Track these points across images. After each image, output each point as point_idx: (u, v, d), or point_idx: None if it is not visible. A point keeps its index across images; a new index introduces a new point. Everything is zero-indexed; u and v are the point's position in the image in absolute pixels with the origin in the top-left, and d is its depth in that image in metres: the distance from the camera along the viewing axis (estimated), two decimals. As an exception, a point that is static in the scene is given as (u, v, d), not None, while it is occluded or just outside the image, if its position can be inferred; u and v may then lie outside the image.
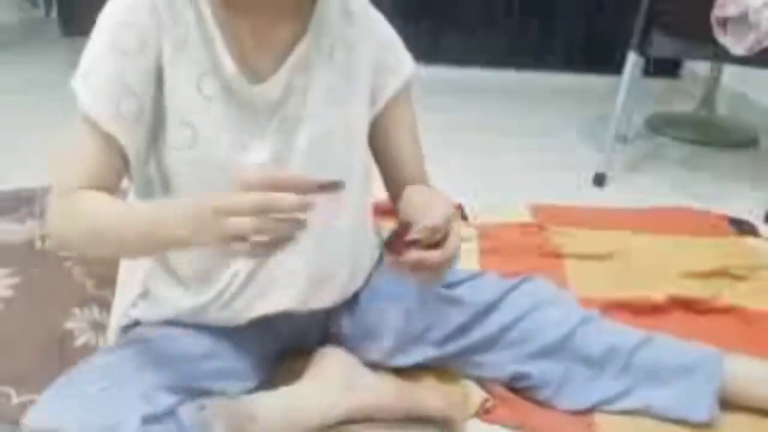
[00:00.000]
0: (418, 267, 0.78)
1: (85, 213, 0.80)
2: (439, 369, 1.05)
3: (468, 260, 1.35)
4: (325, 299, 0.97)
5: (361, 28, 0.93)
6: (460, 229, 0.83)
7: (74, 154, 0.84)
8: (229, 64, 0.83)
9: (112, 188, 0.83)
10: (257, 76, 0.86)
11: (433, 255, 0.78)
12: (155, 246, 0.80)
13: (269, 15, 0.86)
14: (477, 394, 1.00)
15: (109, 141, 0.81)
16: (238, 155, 0.86)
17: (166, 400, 0.81)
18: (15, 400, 0.97)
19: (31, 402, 0.96)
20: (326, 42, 0.90)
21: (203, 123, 0.84)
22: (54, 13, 3.73)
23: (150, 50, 0.81)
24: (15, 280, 1.25)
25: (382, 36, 0.97)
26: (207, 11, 0.83)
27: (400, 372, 1.05)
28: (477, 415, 0.98)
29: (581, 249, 1.45)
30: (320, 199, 0.66)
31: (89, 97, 0.80)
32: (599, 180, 1.96)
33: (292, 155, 0.89)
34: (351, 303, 1.03)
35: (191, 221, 0.70)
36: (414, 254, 0.78)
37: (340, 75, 0.91)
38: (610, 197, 1.86)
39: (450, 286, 1.04)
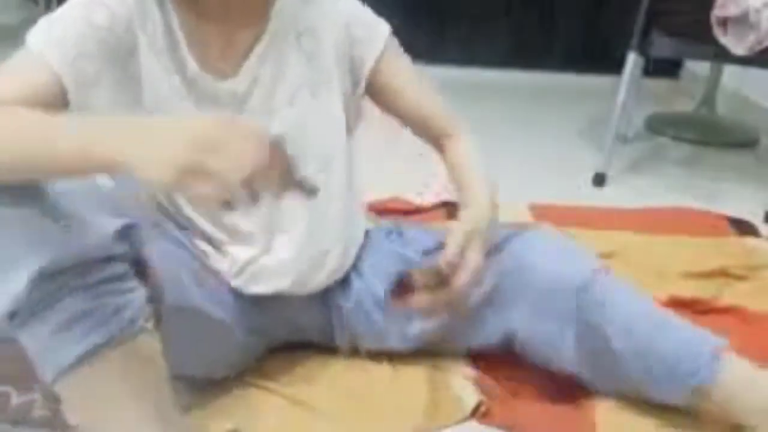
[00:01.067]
0: (431, 312, 0.81)
1: (13, 115, 0.69)
2: (434, 369, 1.06)
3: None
4: (320, 280, 0.98)
5: (322, 11, 0.94)
6: (479, 246, 0.85)
7: (10, 75, 0.79)
8: (192, 66, 0.86)
9: None
10: (222, 74, 0.88)
11: (440, 298, 0.80)
12: (85, 162, 0.65)
13: (235, 20, 0.87)
14: (472, 397, 1.00)
15: (56, 84, 0.77)
16: None
17: None
18: (15, 400, 0.97)
19: (31, 402, 0.96)
20: (291, 32, 0.91)
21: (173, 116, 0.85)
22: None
23: (120, 33, 0.81)
24: (15, 279, 1.25)
25: (345, 10, 0.96)
26: (173, 16, 0.85)
27: (394, 361, 1.05)
28: (473, 417, 0.98)
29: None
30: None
31: (47, 44, 0.78)
32: (599, 180, 1.96)
33: None
34: (343, 283, 1.03)
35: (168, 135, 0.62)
36: (420, 300, 0.79)
37: (308, 63, 0.92)
38: (610, 197, 1.86)
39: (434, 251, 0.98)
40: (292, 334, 1.07)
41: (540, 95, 2.98)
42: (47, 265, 0.66)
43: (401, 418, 0.97)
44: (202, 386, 1.00)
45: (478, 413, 0.98)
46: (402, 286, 0.82)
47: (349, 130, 1.00)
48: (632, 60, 1.94)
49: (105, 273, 0.71)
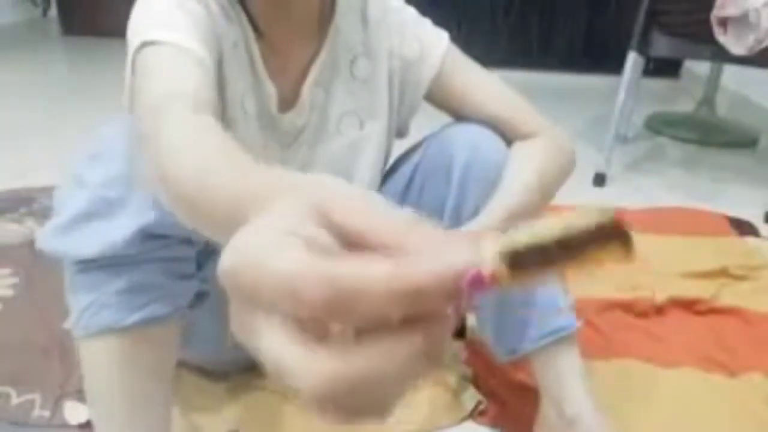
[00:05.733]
0: None
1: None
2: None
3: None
4: None
5: (379, 30, 0.88)
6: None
7: (173, 78, 0.64)
8: (268, 85, 0.81)
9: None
10: (284, 98, 0.84)
11: None
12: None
13: (290, 33, 0.83)
14: (470, 397, 1.00)
15: (208, 69, 0.67)
16: None
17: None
18: (15, 400, 0.97)
19: (31, 402, 0.96)
20: (345, 55, 0.86)
21: (240, 138, 0.82)
22: (53, 13, 3.73)
23: (209, 36, 0.73)
24: (15, 280, 1.25)
25: (397, 29, 0.89)
26: (249, 30, 0.80)
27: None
28: (471, 417, 0.98)
29: (581, 249, 1.45)
30: None
31: (178, 39, 0.66)
32: (599, 180, 1.96)
33: (312, 172, 0.88)
34: None
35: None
36: None
37: (360, 90, 0.88)
38: (610, 197, 1.86)
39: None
40: None
41: (540, 95, 2.97)
42: (152, 224, 0.65)
43: (401, 418, 0.97)
44: (202, 385, 1.00)
45: (476, 413, 0.99)
46: None
47: (401, 134, 0.96)
48: (632, 60, 1.94)
49: (182, 252, 0.71)
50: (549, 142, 0.87)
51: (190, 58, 0.66)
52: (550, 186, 0.86)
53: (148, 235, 0.66)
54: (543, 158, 0.85)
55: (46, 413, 0.94)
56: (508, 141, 0.87)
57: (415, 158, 0.95)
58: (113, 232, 0.65)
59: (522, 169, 0.84)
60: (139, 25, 0.70)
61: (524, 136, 0.87)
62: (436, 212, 0.89)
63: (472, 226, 0.80)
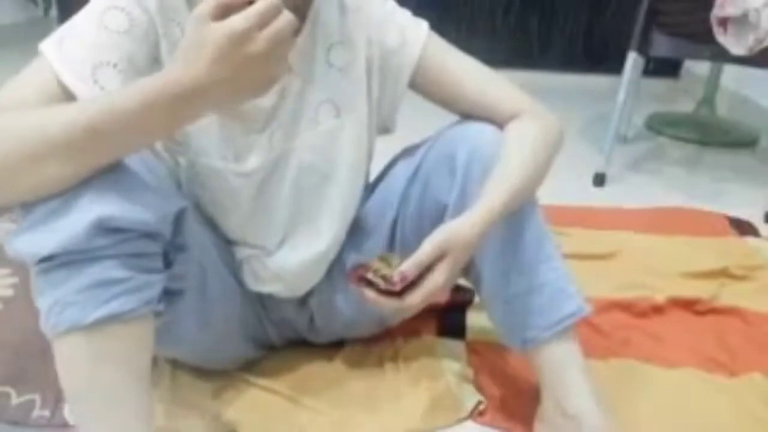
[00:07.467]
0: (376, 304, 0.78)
1: (48, 111, 0.66)
2: (434, 369, 1.06)
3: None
4: (311, 284, 0.99)
5: (358, 20, 0.89)
6: (446, 268, 0.78)
7: (26, 89, 0.73)
8: None
9: None
10: None
11: (388, 303, 0.78)
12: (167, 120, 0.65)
13: None
14: (471, 397, 1.00)
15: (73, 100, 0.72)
16: (231, 164, 0.85)
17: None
18: (15, 400, 0.97)
19: (31, 402, 0.96)
20: (323, 44, 0.87)
21: (193, 132, 0.83)
22: (54, 13, 3.73)
23: (141, 37, 0.77)
24: (15, 280, 1.25)
25: (380, 17, 0.90)
26: None
27: (394, 361, 1.06)
28: (471, 417, 0.98)
29: (581, 249, 1.45)
30: None
31: (61, 60, 0.73)
32: (599, 180, 1.96)
33: (290, 160, 0.89)
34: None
35: (220, 63, 0.60)
36: (370, 295, 0.78)
37: (336, 78, 0.88)
38: (610, 197, 1.86)
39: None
40: (283, 331, 1.07)
41: (540, 95, 2.95)
42: (107, 217, 0.65)
43: (401, 418, 0.97)
44: (198, 384, 1.00)
45: (476, 413, 0.99)
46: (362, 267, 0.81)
47: (386, 130, 0.97)
48: (632, 60, 1.94)
49: (146, 247, 0.71)
50: (537, 121, 0.92)
51: (55, 87, 0.72)
52: (543, 163, 0.90)
53: (107, 230, 0.66)
54: (534, 138, 0.90)
55: (46, 413, 0.94)
56: (496, 120, 0.91)
57: (420, 153, 0.96)
58: (69, 227, 0.65)
59: (516, 151, 0.88)
60: (67, 24, 0.76)
61: (511, 115, 0.91)
62: (440, 204, 0.92)
63: (476, 207, 0.82)
